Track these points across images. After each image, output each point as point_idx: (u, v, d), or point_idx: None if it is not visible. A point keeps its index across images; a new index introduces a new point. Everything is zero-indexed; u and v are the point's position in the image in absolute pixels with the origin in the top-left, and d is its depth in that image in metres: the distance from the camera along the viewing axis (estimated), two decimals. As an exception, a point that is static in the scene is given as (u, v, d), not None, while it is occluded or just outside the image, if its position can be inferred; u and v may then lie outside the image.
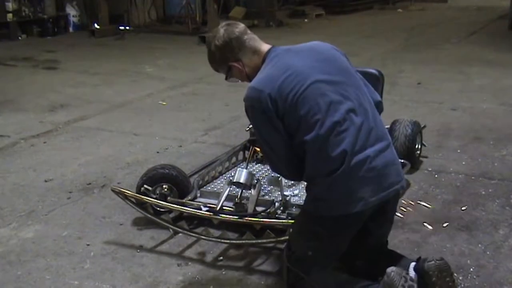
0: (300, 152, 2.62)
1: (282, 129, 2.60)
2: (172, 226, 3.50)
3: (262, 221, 3.28)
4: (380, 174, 2.60)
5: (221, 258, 3.34)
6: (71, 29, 12.15)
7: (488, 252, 3.34)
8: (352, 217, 2.61)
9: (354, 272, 2.81)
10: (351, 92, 2.64)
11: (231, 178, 3.49)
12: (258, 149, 4.01)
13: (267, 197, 3.61)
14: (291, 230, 2.96)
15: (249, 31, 2.79)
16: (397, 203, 2.86)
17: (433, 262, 2.58)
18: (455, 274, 3.10)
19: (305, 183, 2.80)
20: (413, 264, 2.66)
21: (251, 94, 2.62)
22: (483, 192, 4.13)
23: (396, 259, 2.79)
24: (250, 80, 2.72)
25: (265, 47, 2.77)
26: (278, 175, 3.56)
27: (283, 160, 2.69)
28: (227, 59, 2.76)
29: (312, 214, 2.71)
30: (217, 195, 3.55)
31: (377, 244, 2.86)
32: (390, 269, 2.57)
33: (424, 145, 4.70)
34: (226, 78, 2.87)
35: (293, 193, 3.65)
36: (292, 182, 3.80)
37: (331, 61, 2.71)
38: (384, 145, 2.66)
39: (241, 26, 2.80)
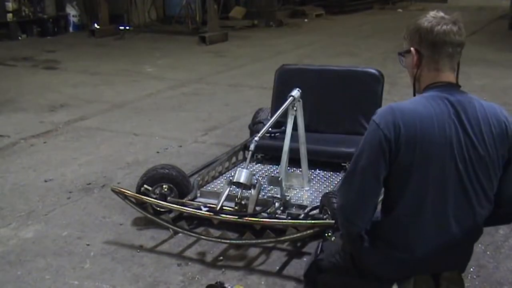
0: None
1: (382, 171, 2.13)
2: (172, 226, 3.50)
3: (262, 221, 3.28)
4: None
5: (221, 258, 3.34)
6: (71, 29, 12.15)
7: (488, 252, 3.34)
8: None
9: None
10: (466, 196, 2.22)
11: (231, 178, 3.49)
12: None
13: (267, 197, 3.61)
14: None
15: (454, 39, 2.25)
16: None
17: None
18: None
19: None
20: None
21: (386, 113, 2.15)
22: (483, 192, 4.12)
23: None
24: (414, 78, 2.31)
25: (449, 77, 2.24)
26: (279, 176, 3.56)
27: (359, 197, 2.18)
28: (412, 41, 2.31)
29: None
30: (217, 195, 3.54)
31: None
32: None
33: (424, 145, 4.68)
34: (400, 54, 2.41)
35: (293, 193, 3.65)
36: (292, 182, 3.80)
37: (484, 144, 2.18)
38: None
39: (452, 26, 2.28)
